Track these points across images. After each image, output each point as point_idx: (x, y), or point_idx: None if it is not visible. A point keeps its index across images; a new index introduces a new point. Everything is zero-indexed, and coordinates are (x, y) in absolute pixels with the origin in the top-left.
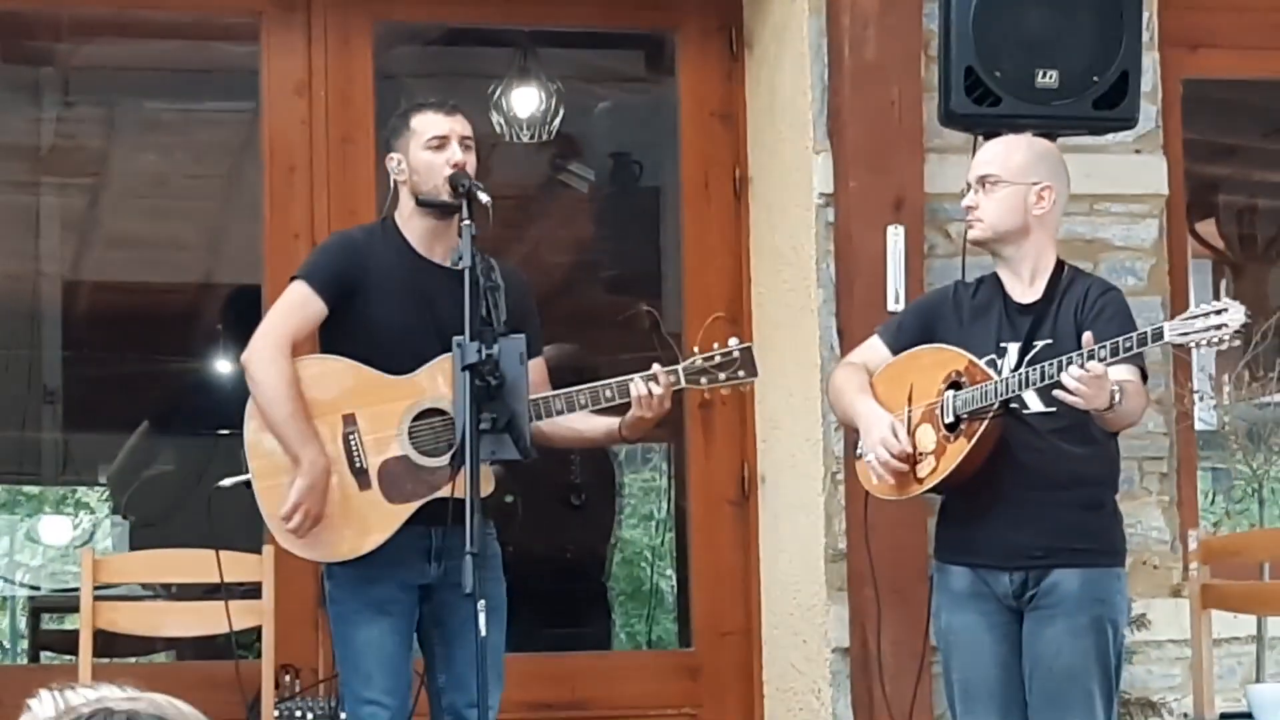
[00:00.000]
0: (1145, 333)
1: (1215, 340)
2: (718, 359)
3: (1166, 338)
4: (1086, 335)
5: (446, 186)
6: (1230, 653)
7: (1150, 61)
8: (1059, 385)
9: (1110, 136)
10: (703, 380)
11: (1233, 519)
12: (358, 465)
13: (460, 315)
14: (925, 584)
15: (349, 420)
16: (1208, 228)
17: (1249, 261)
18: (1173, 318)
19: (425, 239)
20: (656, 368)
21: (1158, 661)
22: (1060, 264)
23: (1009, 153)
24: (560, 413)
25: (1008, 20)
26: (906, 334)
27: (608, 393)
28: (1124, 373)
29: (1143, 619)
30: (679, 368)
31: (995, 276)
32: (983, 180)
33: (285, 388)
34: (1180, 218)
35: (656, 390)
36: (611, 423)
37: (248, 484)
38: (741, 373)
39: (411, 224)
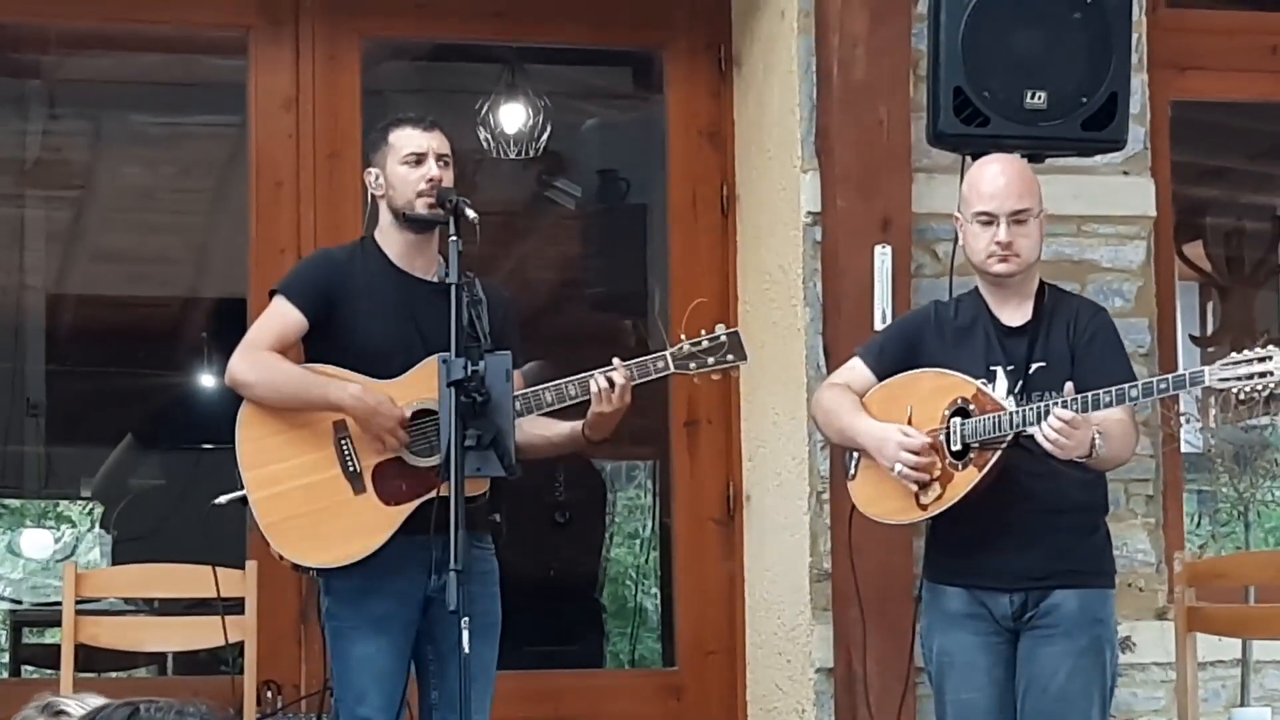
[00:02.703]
0: (1184, 375)
1: (1260, 389)
2: (705, 344)
3: (1207, 382)
4: (1123, 385)
5: (421, 201)
6: (1215, 676)
7: (1139, 83)
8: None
9: (1098, 158)
10: (691, 365)
11: (1218, 542)
12: (351, 469)
13: (444, 329)
14: (910, 604)
15: (339, 426)
16: (1195, 250)
17: (1236, 284)
18: (1226, 357)
19: (405, 254)
20: (616, 361)
21: (1142, 684)
22: (1041, 284)
23: (1033, 181)
24: (520, 414)
25: (997, 41)
26: (889, 357)
27: (572, 389)
28: (1116, 411)
29: (1128, 641)
30: (667, 354)
31: (976, 296)
32: (1017, 214)
33: (278, 366)
34: (1168, 239)
35: (619, 381)
36: (575, 425)
37: (242, 500)
38: (730, 357)
39: (391, 239)
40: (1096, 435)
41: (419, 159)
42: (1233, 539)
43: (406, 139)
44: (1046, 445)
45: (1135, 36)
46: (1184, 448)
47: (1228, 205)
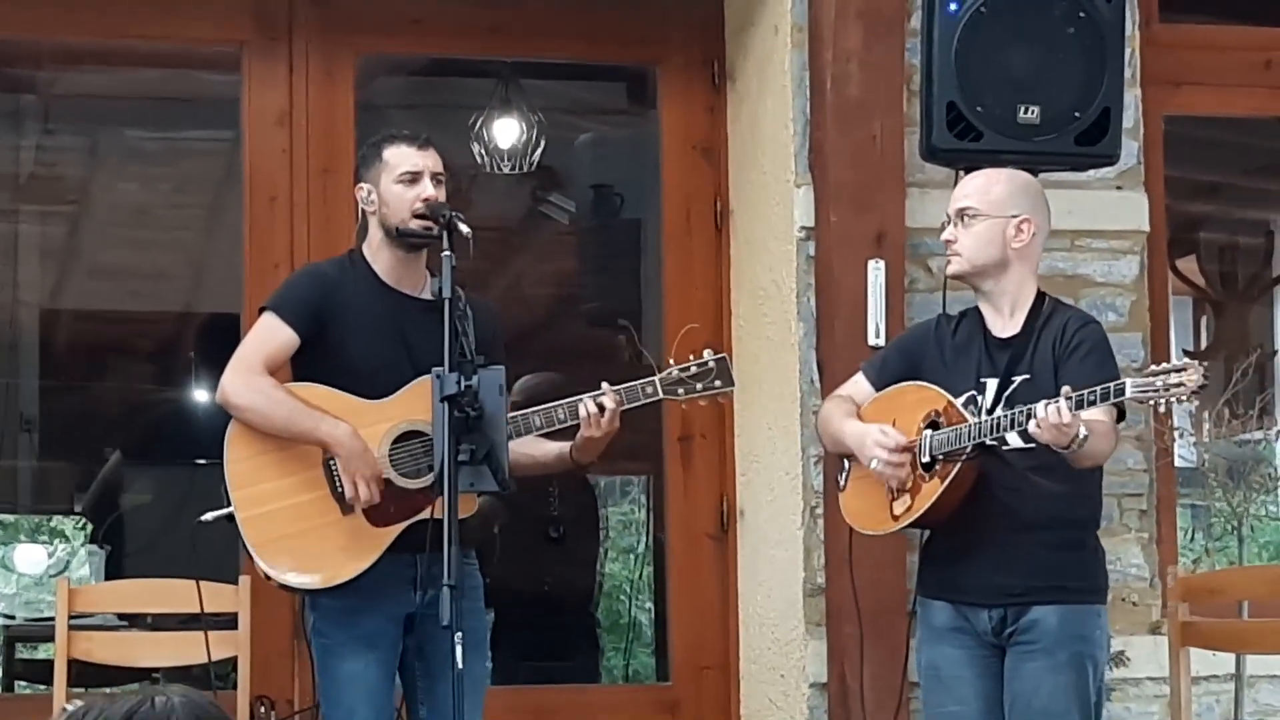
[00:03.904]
0: (1109, 387)
1: (1173, 399)
2: (694, 370)
3: (1128, 394)
4: (1065, 389)
5: (414, 220)
6: (1209, 691)
7: (1132, 98)
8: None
9: (1092, 173)
10: (680, 391)
11: (1212, 556)
12: (340, 490)
13: (432, 346)
14: (904, 619)
15: None
16: (1189, 265)
17: (1229, 299)
18: (1145, 369)
19: (394, 270)
20: (605, 386)
21: (1136, 699)
22: (1041, 297)
23: (988, 185)
24: (511, 437)
25: (990, 56)
26: (890, 370)
27: (560, 413)
28: (1096, 412)
29: (1121, 656)
30: (656, 379)
31: (977, 311)
32: (961, 213)
33: (272, 394)
34: (1161, 254)
35: (609, 406)
36: (563, 446)
37: (229, 518)
38: (718, 382)
39: (381, 255)
40: (1082, 430)
41: (414, 178)
42: (1226, 553)
43: (402, 157)
44: (1032, 426)
45: (1129, 51)
46: (1177, 462)
47: (1221, 220)
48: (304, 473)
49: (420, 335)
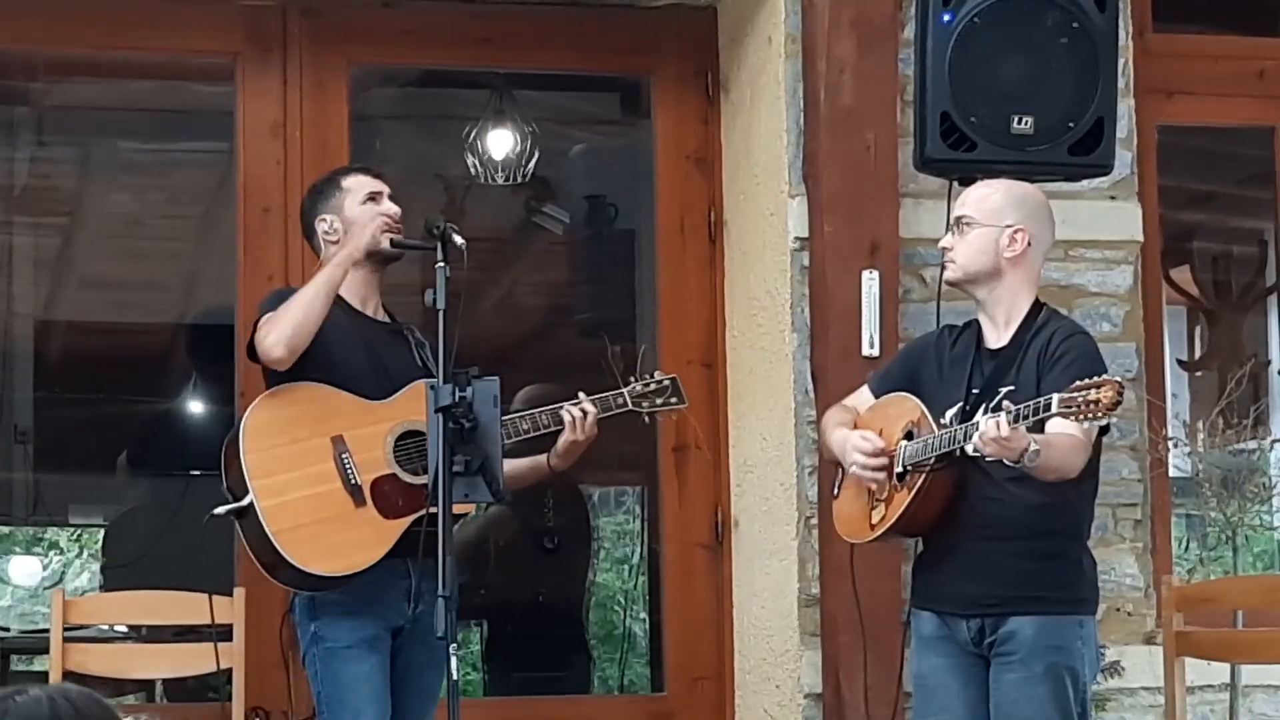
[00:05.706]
0: (1039, 403)
1: (1092, 414)
2: (653, 386)
3: (1054, 410)
4: (1005, 403)
5: (385, 237)
6: (1204, 700)
7: (1126, 108)
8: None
9: (1085, 183)
10: (644, 404)
11: (1206, 566)
12: (352, 483)
13: (406, 367)
14: (898, 630)
15: (338, 441)
16: (1182, 274)
17: (1223, 308)
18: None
19: (360, 293)
20: (582, 395)
21: (1131, 709)
22: (1036, 308)
23: (985, 195)
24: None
25: (984, 66)
26: (891, 380)
27: (544, 419)
28: (1064, 426)
29: (1116, 666)
30: (625, 392)
31: (978, 322)
32: (958, 221)
33: (288, 303)
34: (1155, 264)
35: (590, 411)
36: (537, 458)
37: (238, 512)
38: (674, 400)
39: (350, 280)
40: (1032, 444)
41: (376, 197)
42: (1221, 563)
43: (362, 182)
44: (976, 440)
45: (1122, 61)
46: (1172, 471)
47: (1215, 230)
48: (316, 465)
49: (391, 356)
